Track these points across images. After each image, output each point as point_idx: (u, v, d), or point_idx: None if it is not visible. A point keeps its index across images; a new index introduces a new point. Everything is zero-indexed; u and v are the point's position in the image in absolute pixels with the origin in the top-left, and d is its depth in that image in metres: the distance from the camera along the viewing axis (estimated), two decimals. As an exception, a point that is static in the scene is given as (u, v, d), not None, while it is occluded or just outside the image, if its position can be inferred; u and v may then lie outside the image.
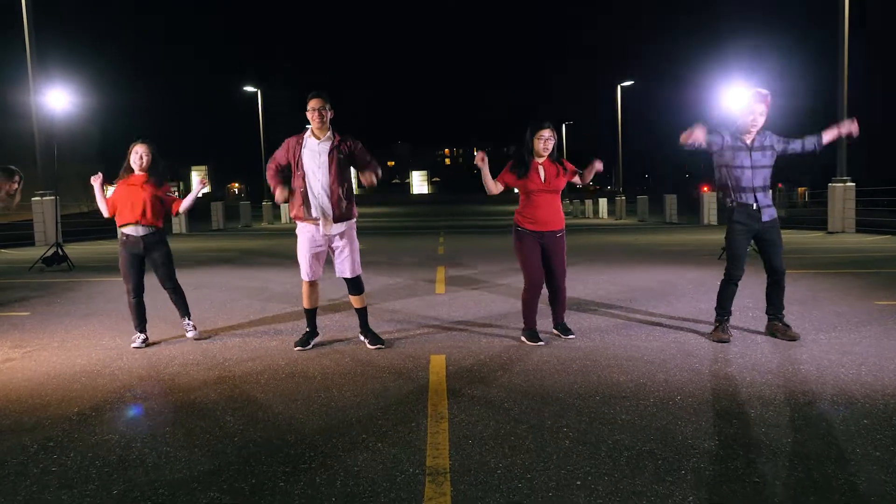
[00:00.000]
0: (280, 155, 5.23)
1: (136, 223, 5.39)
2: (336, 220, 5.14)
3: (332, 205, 5.11)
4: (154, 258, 5.49)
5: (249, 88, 42.44)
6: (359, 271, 5.34)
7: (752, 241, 5.46)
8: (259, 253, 14.55)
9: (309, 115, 5.09)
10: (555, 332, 5.63)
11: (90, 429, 3.69)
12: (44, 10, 17.65)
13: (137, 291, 5.55)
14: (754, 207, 5.28)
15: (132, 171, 5.48)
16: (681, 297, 7.41)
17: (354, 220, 5.30)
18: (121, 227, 5.48)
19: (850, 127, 5.31)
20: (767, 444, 3.34)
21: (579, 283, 8.61)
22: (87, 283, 9.35)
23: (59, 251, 10.90)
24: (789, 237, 16.31)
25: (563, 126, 62.16)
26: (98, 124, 54.70)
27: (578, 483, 2.96)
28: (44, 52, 18.37)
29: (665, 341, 5.41)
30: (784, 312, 5.55)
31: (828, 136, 5.32)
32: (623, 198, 34.70)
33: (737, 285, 5.53)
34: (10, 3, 17.82)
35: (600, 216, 37.00)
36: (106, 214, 5.55)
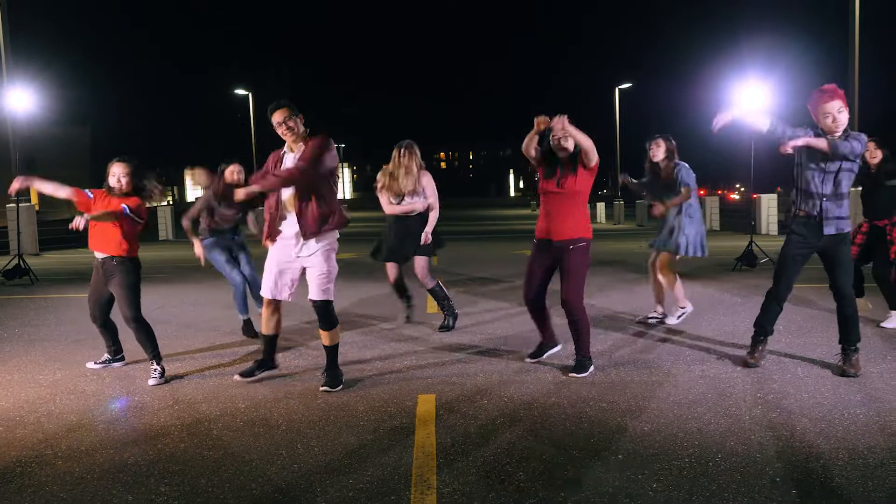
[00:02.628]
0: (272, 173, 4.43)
1: (105, 252, 4.67)
2: (307, 236, 4.37)
3: (298, 217, 4.37)
4: (112, 286, 4.71)
5: (241, 91, 41.70)
6: (327, 297, 4.46)
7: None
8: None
9: (277, 131, 4.39)
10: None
11: (-14, 505, 2.93)
12: (37, 11, 16.86)
13: (95, 318, 4.91)
14: (818, 218, 4.55)
15: (111, 190, 4.71)
16: (700, 318, 6.65)
17: (332, 235, 4.48)
18: (92, 250, 4.78)
19: None
20: (846, 530, 2.60)
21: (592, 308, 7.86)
22: (44, 300, 8.53)
23: (21, 263, 10.10)
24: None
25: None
26: (88, 128, 53.76)
27: None
28: (24, 50, 17.54)
29: (692, 376, 4.65)
30: (858, 345, 4.69)
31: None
32: (621, 202, 33.95)
33: (780, 306, 4.83)
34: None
35: (598, 221, 36.25)
36: (73, 197, 4.71)
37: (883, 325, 6.07)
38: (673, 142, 6.09)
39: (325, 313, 4.49)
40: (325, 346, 4.56)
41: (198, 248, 5.96)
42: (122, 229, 4.62)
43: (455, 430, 3.72)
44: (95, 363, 5.10)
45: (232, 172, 6.08)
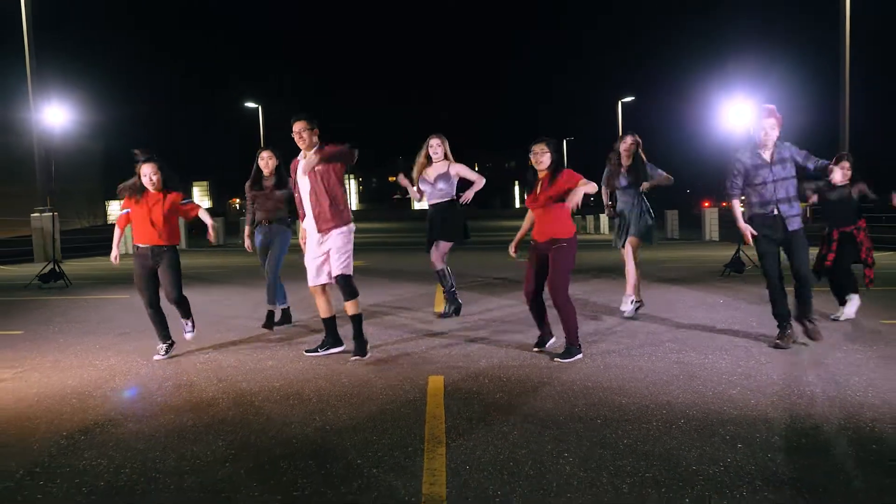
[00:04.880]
0: (293, 180, 5.60)
1: (153, 243, 5.49)
2: (322, 230, 5.38)
3: (316, 216, 5.38)
4: (162, 267, 5.54)
5: (251, 105, 42.61)
6: (346, 272, 5.43)
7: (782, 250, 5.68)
8: (256, 270, 14.44)
9: (294, 136, 5.36)
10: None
11: (79, 453, 3.59)
12: (44, 24, 17.69)
13: (152, 302, 5.65)
14: (778, 218, 5.51)
15: (145, 189, 5.52)
16: (682, 317, 7.31)
17: (345, 227, 5.43)
18: (136, 243, 5.57)
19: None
20: (774, 471, 3.25)
21: (585, 304, 8.53)
22: (83, 300, 9.25)
23: (56, 268, 10.81)
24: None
25: (564, 141, 62.58)
26: (100, 140, 54.74)
27: (579, 512, 2.86)
28: (43, 67, 18.36)
29: (667, 362, 5.31)
30: (813, 317, 5.67)
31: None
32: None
33: (778, 286, 5.69)
34: (11, 21, 17.90)
35: (601, 232, 36.93)
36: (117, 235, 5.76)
37: (838, 316, 6.75)
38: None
39: (346, 286, 5.44)
40: (350, 316, 5.51)
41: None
42: (170, 222, 5.50)
43: (461, 402, 4.38)
44: (162, 353, 5.67)
45: (262, 158, 6.64)
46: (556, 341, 5.74)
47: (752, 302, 8.05)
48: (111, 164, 53.57)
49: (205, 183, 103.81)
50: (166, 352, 5.69)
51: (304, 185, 5.42)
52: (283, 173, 6.59)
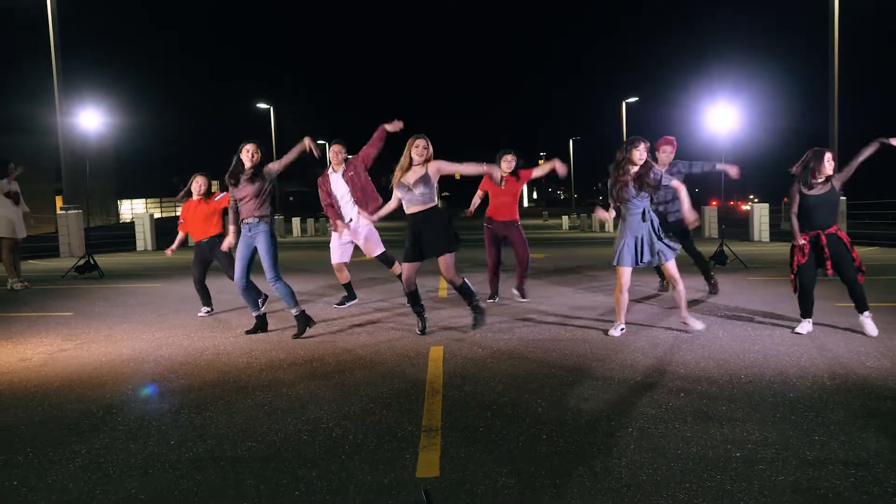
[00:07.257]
0: (322, 194, 7.56)
1: (202, 237, 7.17)
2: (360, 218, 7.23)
3: (357, 213, 7.44)
4: (217, 257, 7.18)
5: (263, 105, 43.52)
6: (379, 251, 7.72)
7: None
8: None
9: (332, 155, 7.45)
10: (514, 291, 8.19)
11: (144, 399, 4.44)
12: (61, 27, 18.59)
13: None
14: (662, 215, 7.76)
15: (190, 195, 7.20)
16: (662, 301, 8.11)
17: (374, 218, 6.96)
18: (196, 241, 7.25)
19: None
20: (705, 411, 4.05)
21: (573, 292, 9.32)
22: (119, 289, 10.13)
23: (91, 260, 11.69)
24: (783, 248, 16.91)
25: (571, 142, 63.79)
26: (112, 140, 55.80)
27: (544, 437, 3.67)
28: (63, 68, 19.26)
29: (638, 336, 6.12)
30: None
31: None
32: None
33: None
34: (37, 25, 18.85)
35: (606, 230, 37.65)
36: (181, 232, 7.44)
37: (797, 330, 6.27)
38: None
39: (385, 259, 7.77)
40: (398, 275, 7.48)
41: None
42: (213, 220, 6.89)
43: (457, 364, 5.20)
44: (261, 308, 6.73)
45: (246, 150, 5.98)
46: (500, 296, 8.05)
47: (726, 287, 8.83)
48: (123, 165, 54.70)
49: (215, 182, 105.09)
50: (261, 306, 6.73)
51: (341, 191, 7.42)
52: (263, 169, 6.06)
